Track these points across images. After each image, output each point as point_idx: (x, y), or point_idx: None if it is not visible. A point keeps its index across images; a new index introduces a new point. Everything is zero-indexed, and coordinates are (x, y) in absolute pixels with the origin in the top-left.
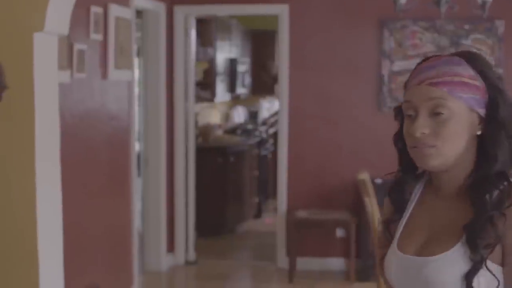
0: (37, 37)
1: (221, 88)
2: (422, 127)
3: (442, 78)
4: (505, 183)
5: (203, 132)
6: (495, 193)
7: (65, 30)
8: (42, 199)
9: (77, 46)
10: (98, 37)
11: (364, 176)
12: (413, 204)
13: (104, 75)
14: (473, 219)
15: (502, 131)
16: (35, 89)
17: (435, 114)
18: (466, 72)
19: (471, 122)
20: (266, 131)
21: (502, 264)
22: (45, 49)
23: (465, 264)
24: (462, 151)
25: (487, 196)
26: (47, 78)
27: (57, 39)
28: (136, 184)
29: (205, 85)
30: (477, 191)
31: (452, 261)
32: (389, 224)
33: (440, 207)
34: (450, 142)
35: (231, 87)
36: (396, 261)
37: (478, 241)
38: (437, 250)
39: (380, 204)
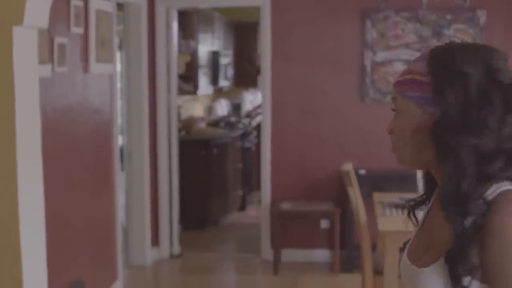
0: (16, 31)
1: (203, 81)
2: (388, 124)
3: (399, 77)
4: (477, 201)
5: (186, 125)
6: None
7: (44, 23)
8: (24, 194)
9: (58, 40)
10: (79, 30)
11: (348, 167)
12: (427, 210)
13: (86, 68)
14: (452, 246)
15: (455, 136)
16: (15, 83)
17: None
18: (419, 69)
19: (421, 120)
20: (249, 123)
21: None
22: (24, 43)
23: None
24: (418, 151)
25: (461, 220)
26: (27, 73)
27: (37, 33)
28: (120, 178)
29: (188, 78)
30: (445, 213)
31: (439, 275)
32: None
33: (439, 216)
34: (401, 139)
35: (214, 80)
36: (403, 265)
37: (458, 267)
38: (429, 261)
39: (364, 195)
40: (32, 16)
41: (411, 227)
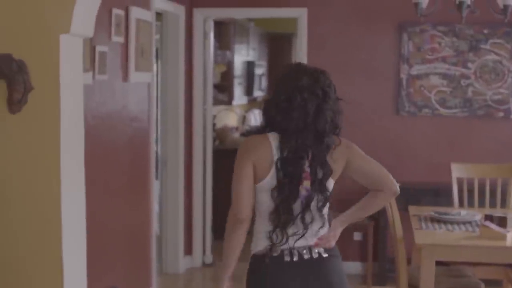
0: (63, 39)
1: (238, 91)
2: None
3: None
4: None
5: (220, 134)
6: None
7: (90, 32)
8: (67, 201)
9: (99, 48)
10: (119, 39)
11: None
12: None
13: (125, 77)
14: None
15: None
16: (61, 90)
17: None
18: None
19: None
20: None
21: (346, 173)
22: (70, 50)
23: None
24: None
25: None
26: (72, 80)
27: (82, 41)
28: (154, 186)
29: (223, 88)
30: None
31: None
32: None
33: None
34: None
35: (248, 90)
36: None
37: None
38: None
39: (399, 208)
40: (78, 24)
41: (449, 241)
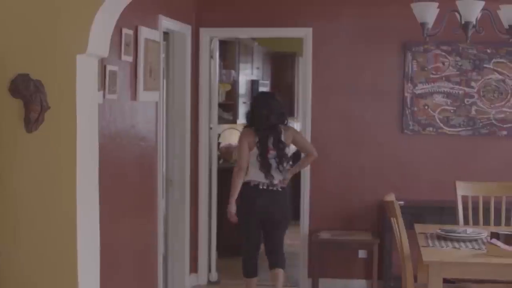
0: (80, 59)
1: (243, 110)
2: None
3: None
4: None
5: (224, 153)
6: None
7: (105, 52)
8: (82, 219)
9: (110, 68)
10: (129, 58)
11: (392, 197)
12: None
13: (134, 96)
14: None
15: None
16: (77, 109)
17: None
18: None
19: None
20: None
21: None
22: (86, 70)
23: None
24: None
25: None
26: (88, 99)
27: (97, 61)
28: (160, 205)
29: (228, 107)
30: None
31: None
32: None
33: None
34: None
35: None
36: None
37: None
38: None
39: (405, 226)
40: (94, 45)
41: (457, 258)
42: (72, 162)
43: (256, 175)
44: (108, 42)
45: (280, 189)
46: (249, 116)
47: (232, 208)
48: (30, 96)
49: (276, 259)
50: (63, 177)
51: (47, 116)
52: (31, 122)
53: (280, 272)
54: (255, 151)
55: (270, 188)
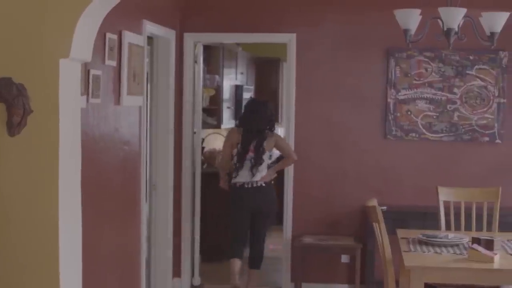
0: (63, 63)
1: (227, 115)
2: None
3: None
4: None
5: (208, 158)
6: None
7: (88, 56)
8: (65, 222)
9: (93, 72)
10: (113, 63)
11: (374, 202)
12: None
13: (117, 100)
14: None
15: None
16: (60, 113)
17: None
18: None
19: None
20: (270, 157)
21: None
22: (69, 75)
23: None
24: None
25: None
26: (71, 103)
27: (80, 65)
28: (143, 209)
29: (211, 112)
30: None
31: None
32: None
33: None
34: None
35: (237, 114)
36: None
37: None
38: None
39: (387, 231)
40: (78, 49)
41: (438, 263)
42: (55, 166)
43: (240, 177)
44: (91, 47)
45: (264, 185)
46: (241, 118)
47: (223, 183)
48: (12, 99)
49: (254, 254)
50: (45, 180)
51: (30, 120)
52: (13, 126)
53: (253, 272)
54: (236, 150)
55: (255, 185)
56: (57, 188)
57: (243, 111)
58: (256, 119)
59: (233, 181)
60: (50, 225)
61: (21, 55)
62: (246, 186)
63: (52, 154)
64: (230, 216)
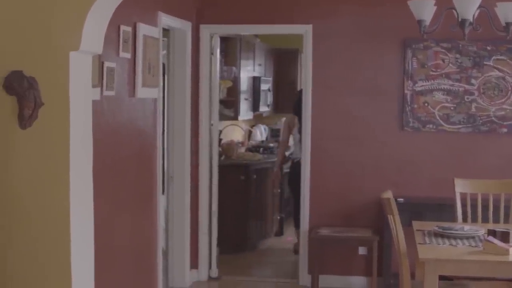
0: (73, 56)
1: (244, 106)
2: None
3: None
4: None
5: (226, 149)
6: None
7: (99, 49)
8: (76, 214)
9: (107, 64)
10: (127, 55)
11: (388, 194)
12: None
13: (132, 92)
14: None
15: None
16: (70, 106)
17: None
18: None
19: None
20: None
21: None
22: (80, 67)
23: None
24: None
25: None
26: (82, 96)
27: (91, 57)
28: (161, 201)
29: (229, 103)
30: None
31: None
32: None
33: None
34: None
35: (254, 106)
36: None
37: None
38: None
39: (403, 223)
40: (88, 42)
41: (452, 256)
42: (66, 158)
43: (297, 154)
44: (102, 39)
45: None
46: (296, 107)
47: (277, 172)
48: (23, 92)
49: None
50: (56, 173)
51: (41, 113)
52: (25, 119)
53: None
54: (295, 134)
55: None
56: (68, 180)
57: (297, 100)
58: (301, 106)
59: (294, 157)
60: (61, 218)
61: (31, 49)
62: (300, 161)
63: (63, 147)
64: (292, 188)
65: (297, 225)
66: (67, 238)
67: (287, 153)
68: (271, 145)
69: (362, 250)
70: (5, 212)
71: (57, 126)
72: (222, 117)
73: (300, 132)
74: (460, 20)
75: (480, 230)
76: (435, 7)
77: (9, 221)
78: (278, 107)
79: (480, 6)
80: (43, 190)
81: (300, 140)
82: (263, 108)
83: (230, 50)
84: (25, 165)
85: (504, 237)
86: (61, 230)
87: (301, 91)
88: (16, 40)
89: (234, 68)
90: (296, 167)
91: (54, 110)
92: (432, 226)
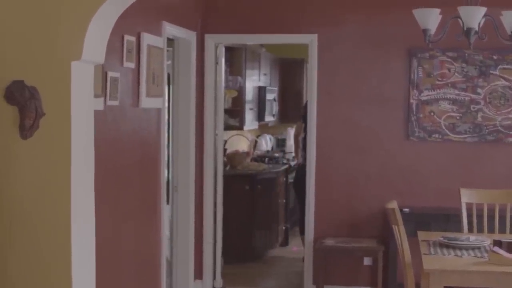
0: (75, 65)
1: (249, 116)
2: None
3: None
4: None
5: (231, 159)
6: None
7: (101, 59)
8: (77, 225)
9: (111, 74)
10: (131, 65)
11: (393, 205)
12: None
13: (136, 102)
14: None
15: None
16: (72, 116)
17: None
18: None
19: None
20: (293, 158)
21: None
22: (81, 77)
23: None
24: None
25: None
26: (83, 106)
27: (93, 67)
28: (165, 211)
29: (234, 113)
30: None
31: None
32: None
33: None
34: None
35: (260, 115)
36: None
37: None
38: None
39: (408, 234)
40: (89, 51)
41: (458, 266)
42: (67, 169)
43: (303, 159)
44: (104, 49)
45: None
46: (305, 116)
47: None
48: (25, 102)
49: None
50: (58, 183)
51: (42, 123)
52: (26, 129)
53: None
54: (301, 141)
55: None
56: (69, 190)
57: (304, 111)
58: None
59: (301, 162)
60: (62, 227)
61: (33, 58)
62: (305, 165)
63: (64, 157)
64: (299, 195)
65: (302, 232)
66: (68, 248)
67: (292, 163)
68: (277, 155)
69: (367, 261)
70: (6, 221)
71: (58, 136)
72: (227, 127)
73: (304, 140)
74: (465, 29)
75: (486, 240)
76: (440, 16)
77: (11, 230)
78: (283, 117)
79: (485, 15)
80: (45, 200)
81: (304, 148)
82: (269, 118)
83: (235, 59)
84: (27, 175)
85: (510, 247)
86: (62, 240)
87: (307, 103)
88: (18, 49)
89: (239, 77)
90: (301, 170)
91: (55, 120)
92: (437, 236)
